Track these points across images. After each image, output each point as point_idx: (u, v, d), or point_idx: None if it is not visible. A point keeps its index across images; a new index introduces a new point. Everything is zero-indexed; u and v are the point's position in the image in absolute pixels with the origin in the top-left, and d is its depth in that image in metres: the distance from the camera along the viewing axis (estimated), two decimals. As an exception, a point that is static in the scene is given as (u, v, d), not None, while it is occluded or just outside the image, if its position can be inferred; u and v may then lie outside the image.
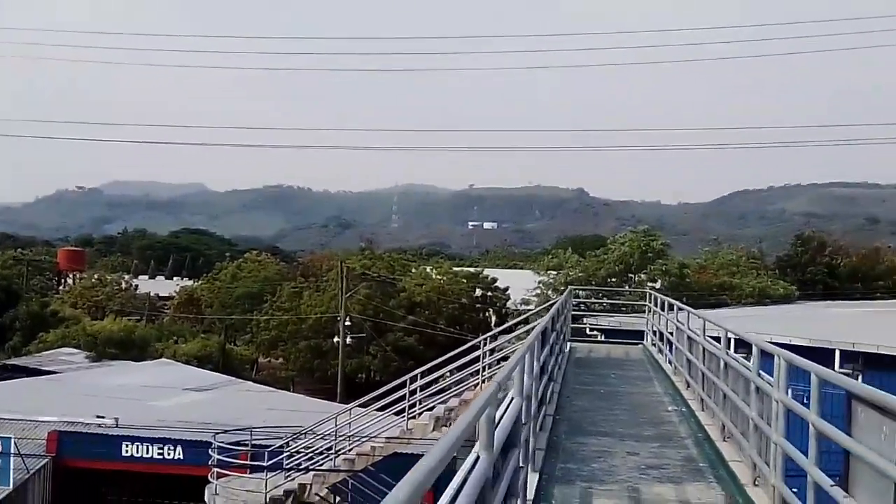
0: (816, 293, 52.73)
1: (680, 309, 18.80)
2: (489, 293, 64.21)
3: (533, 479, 8.99)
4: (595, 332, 38.89)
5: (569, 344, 22.91)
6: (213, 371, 49.05)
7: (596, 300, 46.07)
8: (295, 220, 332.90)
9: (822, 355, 28.43)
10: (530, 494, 8.36)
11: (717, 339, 13.33)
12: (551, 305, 18.65)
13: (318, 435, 23.38)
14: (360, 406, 24.24)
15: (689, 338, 15.65)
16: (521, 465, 7.99)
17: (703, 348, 13.75)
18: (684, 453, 11.09)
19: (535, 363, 9.70)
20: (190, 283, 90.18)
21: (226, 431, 25.66)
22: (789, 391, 24.16)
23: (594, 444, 11.37)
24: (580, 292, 47.00)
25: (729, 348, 12.44)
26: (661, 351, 21.67)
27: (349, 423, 23.19)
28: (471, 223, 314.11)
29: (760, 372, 9.67)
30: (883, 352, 26.93)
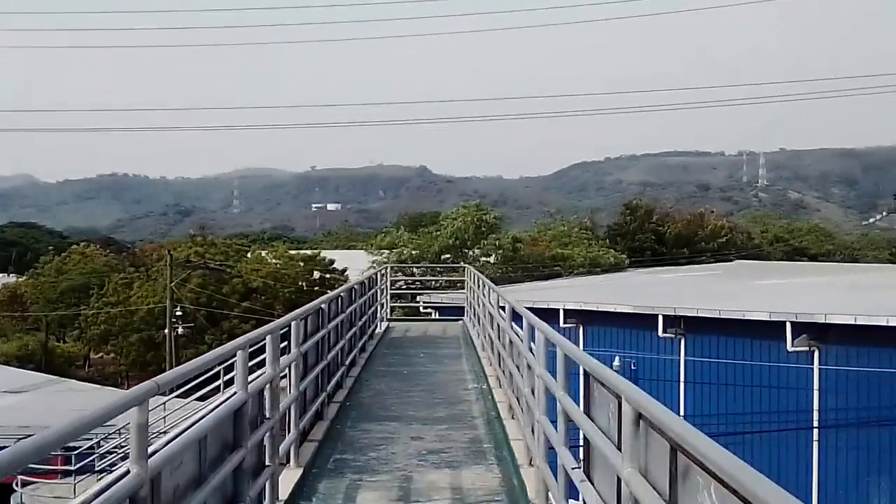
0: (646, 260, 53.87)
1: (484, 283, 18.49)
2: (327, 275, 63.26)
3: (293, 476, 8.35)
4: (429, 310, 38.59)
5: (386, 324, 22.41)
6: (35, 371, 46.65)
7: (431, 277, 45.80)
8: (133, 209, 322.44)
9: (646, 321, 28.91)
10: (284, 493, 7.72)
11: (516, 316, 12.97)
12: (364, 283, 18.00)
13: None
14: (178, 397, 23.19)
15: (489, 313, 15.30)
16: (267, 463, 7.35)
17: (498, 324, 13.39)
18: (472, 434, 10.67)
19: (299, 350, 9.06)
20: (13, 279, 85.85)
21: (28, 436, 24.09)
22: (616, 359, 24.01)
23: (379, 430, 10.83)
24: (415, 270, 46.64)
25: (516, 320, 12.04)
26: (475, 326, 21.40)
27: (164, 418, 22.16)
28: (314, 205, 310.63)
29: (531, 344, 9.24)
30: (702, 315, 27.45)
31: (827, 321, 23.58)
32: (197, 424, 5.52)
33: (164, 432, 20.62)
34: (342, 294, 13.34)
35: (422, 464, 9.30)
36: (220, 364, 13.96)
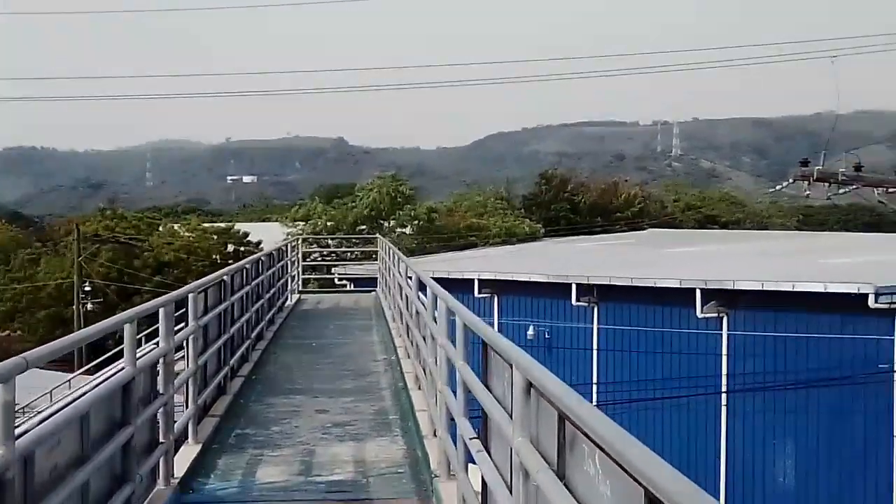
0: (561, 229, 54.23)
1: (394, 254, 18.33)
2: (241, 248, 62.52)
3: (191, 453, 8.13)
4: (345, 282, 38.33)
5: (297, 296, 22.14)
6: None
7: (346, 248, 45.51)
8: (41, 182, 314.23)
9: (560, 290, 29.06)
10: (180, 471, 7.50)
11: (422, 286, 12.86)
12: (272, 255, 17.70)
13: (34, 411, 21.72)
14: (85, 374, 22.70)
15: (399, 283, 15.17)
16: (161, 440, 7.13)
17: (406, 294, 13.26)
18: (378, 406, 10.55)
19: (198, 323, 8.80)
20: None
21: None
22: (531, 328, 23.93)
23: (283, 404, 10.64)
24: (330, 242, 46.26)
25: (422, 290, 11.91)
26: (386, 298, 21.26)
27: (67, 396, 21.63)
28: (230, 177, 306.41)
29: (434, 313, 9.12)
30: (614, 283, 27.66)
31: (735, 287, 23.93)
32: (77, 402, 5.29)
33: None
34: (247, 266, 13.06)
35: (325, 437, 9.15)
36: (108, 338, 13.59)
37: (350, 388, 11.57)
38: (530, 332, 29.98)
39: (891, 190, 18.90)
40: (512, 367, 4.52)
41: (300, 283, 23.92)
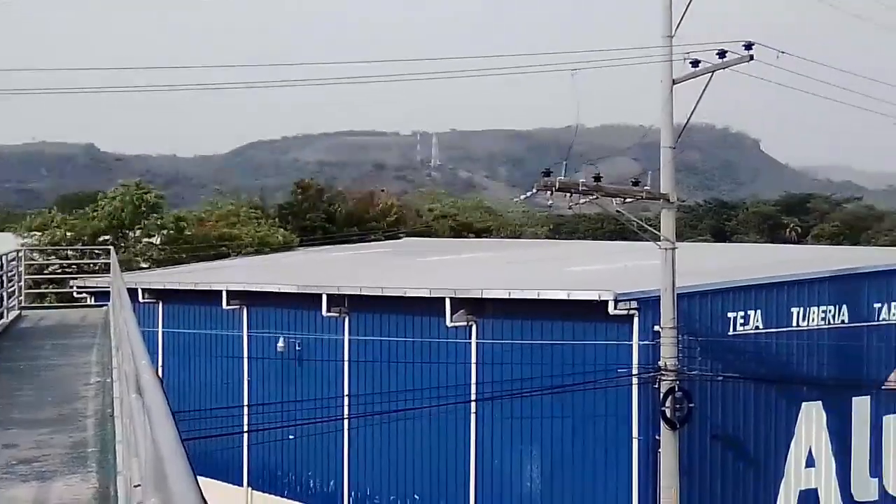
0: (317, 239, 53.46)
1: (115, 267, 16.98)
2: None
3: None
4: (84, 295, 36.09)
5: (17, 312, 20.28)
6: None
7: (87, 260, 42.86)
8: None
9: (310, 301, 28.29)
10: None
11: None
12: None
13: None
14: None
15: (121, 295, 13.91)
16: None
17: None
18: (78, 437, 9.42)
19: None
20: None
21: None
22: (280, 340, 22.65)
23: (-35, 439, 9.31)
24: (69, 252, 43.46)
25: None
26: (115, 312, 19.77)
27: None
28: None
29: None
30: (365, 293, 27.21)
31: (483, 296, 23.96)
32: None
33: None
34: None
35: (7, 476, 7.98)
36: None
37: (50, 417, 10.35)
38: (280, 344, 29.12)
39: (628, 200, 19.29)
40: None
41: (22, 298, 21.95)
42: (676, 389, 19.28)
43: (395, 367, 26.41)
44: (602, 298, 21.08)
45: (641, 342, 20.90)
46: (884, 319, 24.60)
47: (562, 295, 22.40)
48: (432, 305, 24.79)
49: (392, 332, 26.76)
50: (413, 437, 26.03)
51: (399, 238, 53.10)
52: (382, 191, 67.49)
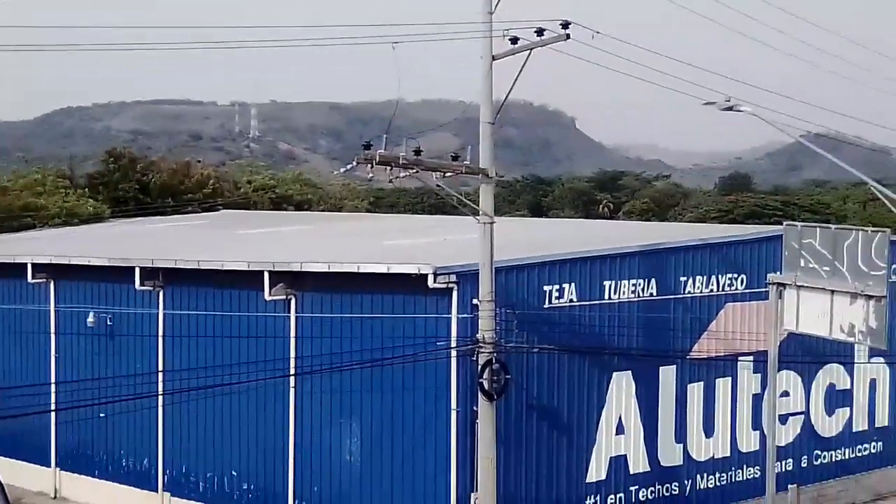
0: (130, 210, 51.64)
1: None
2: None
3: None
4: None
5: None
6: None
7: None
8: None
9: (123, 274, 27.40)
10: None
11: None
12: None
13: None
14: None
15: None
16: None
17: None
18: None
19: None
20: None
21: None
22: (91, 315, 21.86)
23: None
24: None
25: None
26: None
27: None
28: None
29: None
30: (181, 266, 26.60)
31: (303, 269, 23.78)
32: None
33: None
34: None
35: None
36: None
37: None
38: (90, 318, 28.15)
39: (447, 174, 19.46)
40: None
41: None
42: (494, 361, 19.63)
43: (211, 341, 25.93)
44: (421, 272, 21.26)
45: (460, 315, 21.19)
46: (689, 292, 25.74)
47: (381, 268, 22.48)
48: (250, 279, 24.45)
49: (209, 307, 26.26)
50: (231, 412, 25.63)
51: (216, 210, 51.99)
52: (199, 161, 65.69)
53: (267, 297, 23.94)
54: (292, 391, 24.18)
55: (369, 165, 18.42)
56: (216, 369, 24.65)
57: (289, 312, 24.24)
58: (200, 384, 23.83)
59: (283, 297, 24.07)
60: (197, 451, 26.55)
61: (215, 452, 26.09)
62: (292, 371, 23.92)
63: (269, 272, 23.92)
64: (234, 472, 25.63)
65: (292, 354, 24.19)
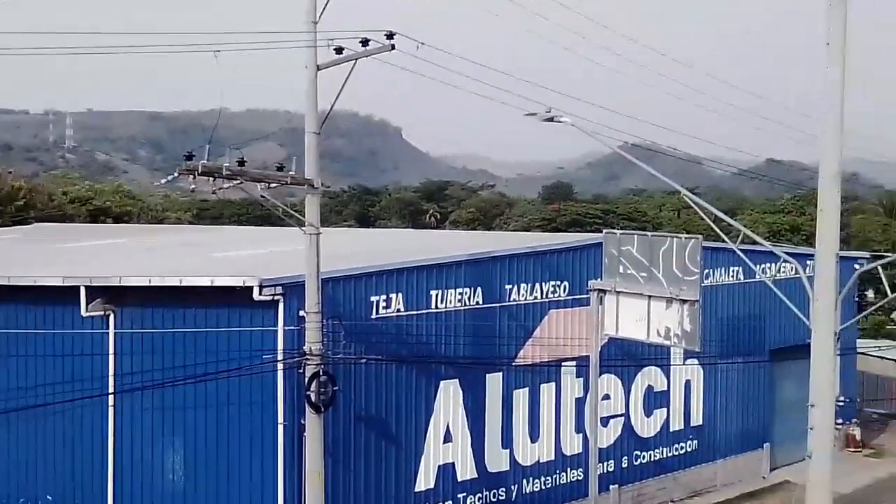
0: (-67, 224, 48.85)
1: None
2: None
3: None
4: None
5: None
6: None
7: None
8: None
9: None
10: None
11: None
12: None
13: None
14: None
15: None
16: None
17: None
18: None
19: None
20: None
21: None
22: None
23: None
24: None
25: None
26: None
27: None
28: None
29: None
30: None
31: (122, 284, 22.96)
32: None
33: None
34: None
35: None
36: None
37: None
38: None
39: (273, 185, 19.12)
40: None
41: None
42: (321, 373, 19.43)
43: (24, 360, 24.68)
44: (246, 284, 20.88)
45: (287, 328, 20.92)
46: (514, 300, 26.23)
47: (205, 281, 21.93)
48: (66, 294, 23.42)
49: (21, 324, 24.99)
50: (45, 434, 24.48)
51: (29, 223, 49.72)
52: (10, 172, 62.59)
53: (84, 312, 22.99)
54: (111, 410, 23.29)
55: (191, 176, 17.87)
56: (29, 390, 23.52)
57: (107, 328, 23.35)
58: (12, 406, 22.68)
59: (102, 312, 23.17)
60: (8, 477, 25.24)
61: (28, 477, 24.86)
62: (111, 390, 23.04)
63: (86, 287, 22.99)
64: (48, 497, 24.48)
65: (111, 372, 23.30)
